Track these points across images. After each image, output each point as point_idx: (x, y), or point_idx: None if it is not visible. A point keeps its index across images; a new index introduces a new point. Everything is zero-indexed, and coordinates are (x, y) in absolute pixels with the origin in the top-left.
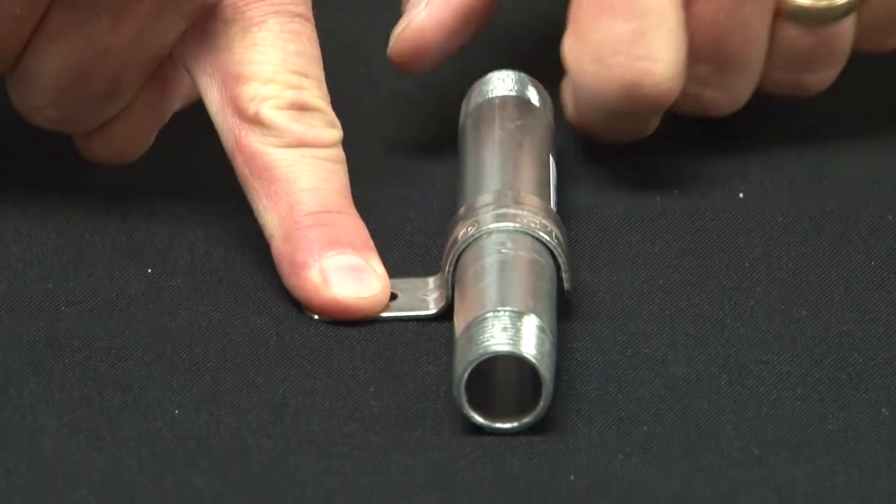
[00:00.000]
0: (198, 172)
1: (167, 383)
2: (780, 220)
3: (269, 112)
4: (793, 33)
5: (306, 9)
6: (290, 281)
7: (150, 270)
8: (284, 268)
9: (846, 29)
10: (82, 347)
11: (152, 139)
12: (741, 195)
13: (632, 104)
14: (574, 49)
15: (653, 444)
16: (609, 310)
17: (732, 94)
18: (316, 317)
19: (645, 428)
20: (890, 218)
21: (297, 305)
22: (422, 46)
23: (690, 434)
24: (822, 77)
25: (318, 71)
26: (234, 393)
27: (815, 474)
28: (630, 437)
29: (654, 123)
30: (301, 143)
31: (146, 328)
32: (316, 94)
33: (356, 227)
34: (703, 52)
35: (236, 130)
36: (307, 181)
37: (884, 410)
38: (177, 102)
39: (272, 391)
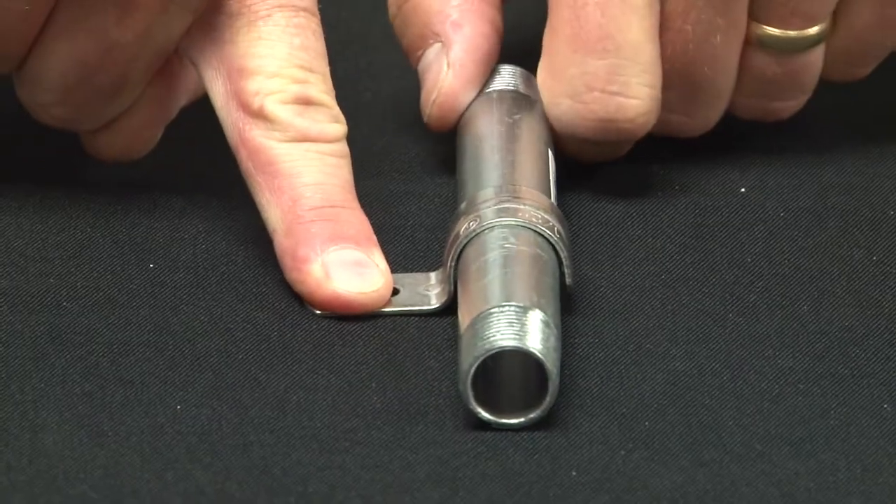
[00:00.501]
0: (200, 167)
1: (169, 378)
2: (782, 214)
3: (273, 106)
4: (762, 61)
5: (311, 3)
6: (292, 275)
7: (151, 265)
8: (286, 262)
9: (815, 59)
10: (84, 343)
11: (159, 135)
12: (743, 190)
13: (606, 136)
14: (548, 82)
15: (654, 439)
16: (611, 305)
17: (700, 120)
18: (318, 312)
19: (647, 423)
20: (892, 213)
21: (299, 301)
22: (456, 106)
23: (692, 429)
24: (791, 105)
25: (323, 65)
26: (235, 388)
27: (817, 469)
28: (632, 432)
29: (628, 148)
30: (305, 138)
31: (148, 323)
32: (321, 88)
33: (359, 221)
34: (672, 80)
35: (240, 124)
36: (311, 176)
37: (886, 406)
38: (183, 98)
39: (274, 386)
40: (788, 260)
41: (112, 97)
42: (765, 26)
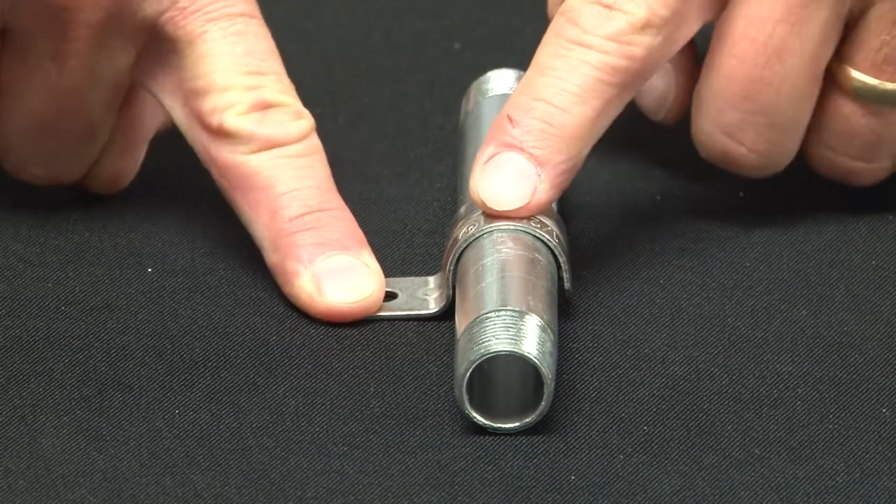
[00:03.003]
0: (197, 172)
1: (167, 383)
2: (780, 219)
3: (232, 120)
4: (846, 110)
5: (248, 6)
6: (286, 290)
7: (150, 270)
8: (278, 277)
9: None
10: (82, 347)
11: (139, 163)
12: (741, 194)
13: (722, 167)
14: (698, 101)
15: (653, 443)
16: (609, 309)
17: (764, 155)
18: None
19: (645, 428)
20: (890, 217)
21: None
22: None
23: (691, 434)
24: (874, 168)
25: (274, 65)
26: (234, 392)
27: (816, 474)
28: (631, 436)
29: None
30: (271, 145)
31: (146, 328)
32: (275, 89)
33: (342, 221)
34: (737, 98)
35: (206, 144)
36: (284, 184)
37: (884, 410)
38: (153, 125)
39: (272, 391)
40: (787, 265)
41: (83, 143)
42: (853, 70)
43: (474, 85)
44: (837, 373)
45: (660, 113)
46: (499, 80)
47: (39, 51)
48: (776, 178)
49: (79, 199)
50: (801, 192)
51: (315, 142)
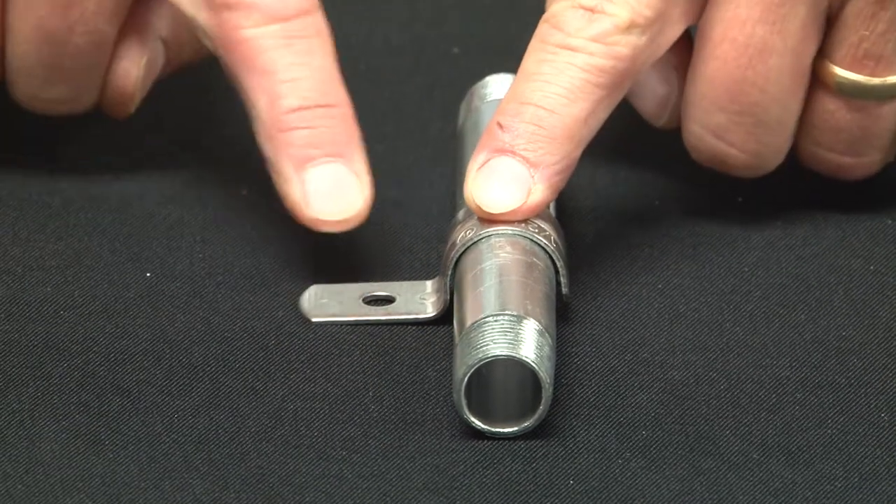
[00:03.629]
0: (196, 177)
1: (166, 387)
2: (779, 224)
3: None
4: (831, 106)
5: None
6: (276, 186)
7: (148, 274)
8: (270, 168)
9: (890, 113)
10: (81, 352)
11: (146, 79)
12: (740, 199)
13: (712, 167)
14: (687, 103)
15: (652, 448)
16: (608, 314)
17: (753, 155)
18: (314, 320)
19: (644, 432)
20: (889, 222)
21: (296, 311)
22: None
23: (689, 438)
24: (864, 162)
25: None
26: (233, 397)
27: (815, 479)
28: (629, 441)
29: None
30: (273, 18)
31: (145, 332)
32: None
33: (338, 121)
34: (723, 99)
35: (211, 20)
36: (284, 71)
37: (883, 415)
38: (159, 28)
39: (271, 395)
40: (786, 269)
41: (92, 56)
42: (834, 66)
43: (473, 89)
44: (836, 377)
45: (662, 118)
46: (497, 85)
47: None
48: (774, 183)
49: (78, 204)
50: (800, 196)
51: (317, 21)
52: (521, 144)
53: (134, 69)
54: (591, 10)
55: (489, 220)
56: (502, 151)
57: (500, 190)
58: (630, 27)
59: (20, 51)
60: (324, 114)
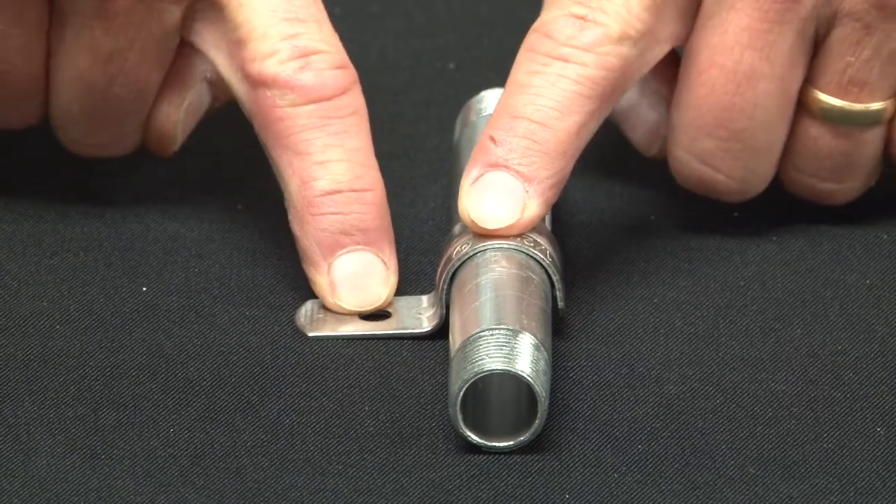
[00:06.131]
0: (192, 191)
1: (162, 402)
2: (775, 238)
3: (271, 67)
4: (816, 132)
5: None
6: (304, 267)
7: (145, 289)
8: (299, 248)
9: (873, 139)
10: (77, 366)
11: (185, 124)
12: (735, 214)
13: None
14: (672, 125)
15: (648, 462)
16: (603, 328)
17: (739, 181)
18: (310, 334)
19: (640, 446)
20: (885, 236)
21: (293, 325)
22: None
23: (685, 453)
24: (846, 189)
25: (314, 12)
26: (228, 412)
27: (810, 493)
28: (625, 455)
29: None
30: (309, 98)
31: (141, 347)
32: (315, 36)
33: (371, 207)
34: (710, 125)
35: (248, 94)
36: (320, 153)
37: (879, 429)
38: (199, 76)
39: (267, 410)
40: (781, 284)
41: (134, 106)
42: (819, 93)
43: (468, 104)
44: (832, 392)
45: (653, 148)
46: (493, 100)
47: (85, 10)
48: (769, 198)
49: (74, 219)
50: (795, 211)
51: (356, 99)
52: (514, 159)
53: (174, 112)
54: (583, 18)
55: (484, 234)
56: (496, 166)
57: (494, 205)
58: (621, 38)
59: (63, 100)
60: (356, 198)
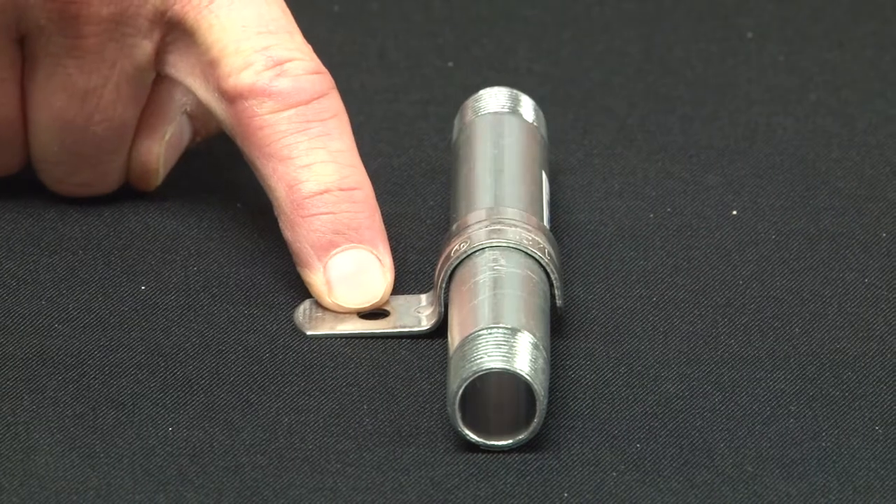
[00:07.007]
0: (191, 190)
1: (160, 400)
2: (774, 237)
3: (248, 79)
4: None
5: None
6: (299, 270)
7: (143, 288)
8: (293, 255)
9: None
10: (76, 364)
11: (166, 159)
12: (734, 212)
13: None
14: None
15: (646, 461)
16: (602, 327)
17: None
18: (309, 333)
19: (638, 445)
20: (884, 235)
21: (291, 324)
22: None
23: (684, 451)
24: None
25: (285, 24)
26: (227, 410)
27: (809, 491)
28: (623, 454)
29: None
30: (288, 103)
31: (140, 345)
32: (288, 46)
33: (361, 204)
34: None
35: (228, 111)
36: (303, 156)
37: (877, 428)
38: (177, 110)
39: (266, 408)
40: (780, 282)
41: (113, 143)
42: None
43: (467, 103)
44: (831, 390)
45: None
46: (491, 99)
47: (57, 50)
48: (769, 198)
49: (73, 217)
50: (795, 210)
51: (335, 103)
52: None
53: (155, 146)
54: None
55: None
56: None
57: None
58: None
59: (42, 140)
60: (346, 197)
